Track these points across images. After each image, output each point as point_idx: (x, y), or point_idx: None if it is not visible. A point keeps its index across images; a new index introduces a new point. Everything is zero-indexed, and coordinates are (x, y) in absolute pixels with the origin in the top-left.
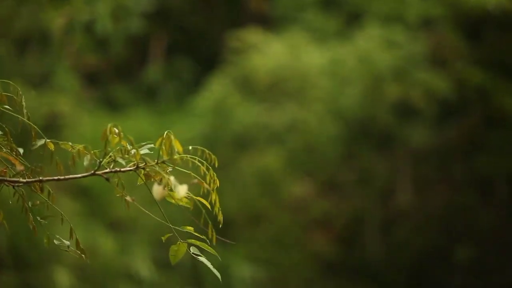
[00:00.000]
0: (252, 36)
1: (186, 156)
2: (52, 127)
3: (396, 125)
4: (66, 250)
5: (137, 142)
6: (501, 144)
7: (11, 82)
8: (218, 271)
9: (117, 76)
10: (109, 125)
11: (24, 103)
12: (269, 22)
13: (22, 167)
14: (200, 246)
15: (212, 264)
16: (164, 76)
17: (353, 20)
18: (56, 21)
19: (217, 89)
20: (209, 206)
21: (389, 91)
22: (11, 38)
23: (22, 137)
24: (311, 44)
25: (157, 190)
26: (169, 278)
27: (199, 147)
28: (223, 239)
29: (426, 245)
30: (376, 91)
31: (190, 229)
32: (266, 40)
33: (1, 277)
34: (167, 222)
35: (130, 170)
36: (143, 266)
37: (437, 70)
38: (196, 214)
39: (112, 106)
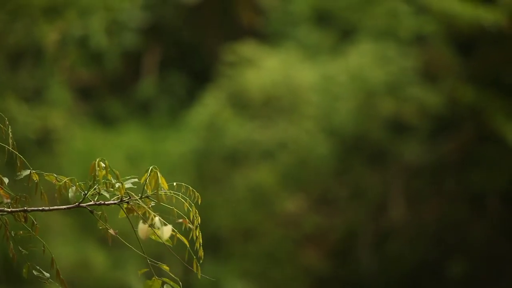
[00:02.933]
0: (246, 50)
1: (170, 193)
2: (45, 141)
3: (388, 140)
4: (45, 282)
5: (130, 158)
6: (493, 159)
7: None
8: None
9: (110, 91)
10: (97, 160)
11: (10, 133)
12: (262, 38)
13: (8, 200)
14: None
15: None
16: (157, 91)
17: (345, 36)
18: (50, 35)
19: (210, 104)
20: (187, 244)
21: (381, 107)
22: (4, 52)
23: (9, 165)
24: (304, 60)
25: (142, 229)
26: None
27: (183, 184)
28: (207, 276)
29: (419, 259)
30: (369, 107)
31: (166, 268)
32: (259, 55)
33: None
34: (146, 256)
35: (114, 203)
36: (135, 281)
37: (429, 86)
38: (180, 246)
39: (105, 121)
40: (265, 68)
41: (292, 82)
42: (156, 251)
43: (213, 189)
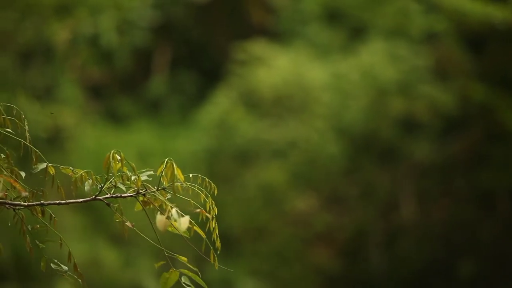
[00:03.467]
0: (256, 49)
1: (187, 184)
2: (56, 139)
3: (399, 139)
4: (63, 275)
5: (140, 156)
6: (503, 158)
7: (14, 106)
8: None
9: (121, 89)
10: (111, 152)
11: (26, 127)
12: (272, 36)
13: (26, 193)
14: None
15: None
16: (168, 89)
17: (356, 34)
18: (60, 34)
19: (220, 102)
20: (203, 235)
21: (392, 105)
22: (15, 51)
23: (24, 159)
24: (315, 59)
25: (160, 221)
26: None
27: (199, 175)
28: (225, 268)
29: (429, 259)
30: (380, 105)
31: (183, 259)
32: (270, 54)
33: None
34: (163, 248)
35: (131, 196)
36: (146, 279)
37: (440, 84)
38: (197, 237)
39: (116, 119)
40: (275, 66)
41: (303, 80)
42: (168, 246)
43: (224, 188)
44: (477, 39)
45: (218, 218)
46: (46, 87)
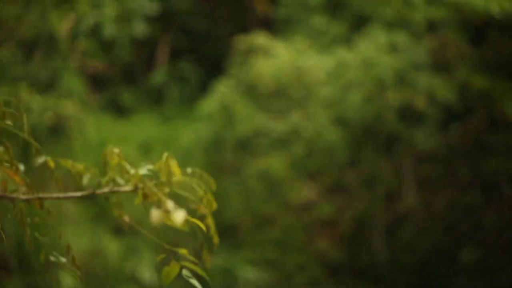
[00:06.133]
0: (258, 39)
1: (184, 178)
2: (58, 130)
3: (400, 128)
4: (62, 268)
5: (143, 146)
6: (505, 146)
7: (13, 99)
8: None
9: (123, 80)
10: (109, 147)
11: (25, 120)
12: (274, 26)
13: (24, 186)
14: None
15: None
16: (170, 80)
17: (357, 25)
18: (62, 25)
19: (222, 93)
20: (204, 229)
21: (393, 95)
22: (18, 41)
23: (24, 152)
24: (316, 49)
25: (155, 215)
26: (173, 282)
27: (197, 169)
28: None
29: (431, 246)
30: (380, 95)
31: (184, 251)
32: (271, 44)
33: (8, 281)
34: (162, 242)
35: (129, 190)
36: (147, 270)
37: (440, 74)
38: (197, 230)
39: (118, 109)
40: (277, 56)
41: (304, 70)
42: (169, 238)
43: (226, 178)
44: (478, 29)
45: (221, 208)
46: (48, 78)
